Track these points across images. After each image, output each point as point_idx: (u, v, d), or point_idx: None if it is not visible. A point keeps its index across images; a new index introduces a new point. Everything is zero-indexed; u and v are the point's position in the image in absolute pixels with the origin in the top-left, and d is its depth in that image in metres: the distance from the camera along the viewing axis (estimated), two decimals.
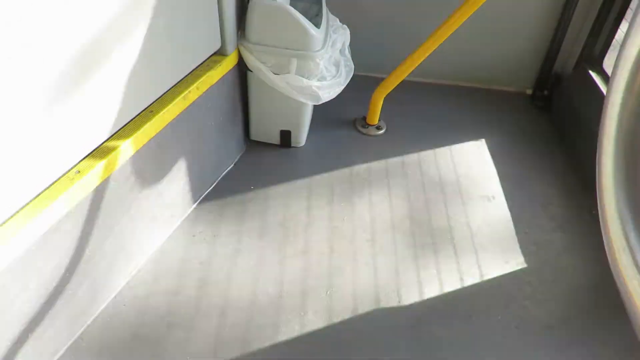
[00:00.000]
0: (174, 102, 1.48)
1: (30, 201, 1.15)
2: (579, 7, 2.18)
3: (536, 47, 2.39)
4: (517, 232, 1.80)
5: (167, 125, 1.48)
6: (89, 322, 1.44)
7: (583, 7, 2.19)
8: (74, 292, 1.34)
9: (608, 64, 2.15)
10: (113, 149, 1.30)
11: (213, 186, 1.88)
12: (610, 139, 0.51)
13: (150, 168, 1.49)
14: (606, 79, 2.11)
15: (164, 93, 1.50)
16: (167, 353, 1.39)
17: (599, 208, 0.52)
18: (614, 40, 2.12)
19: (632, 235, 0.49)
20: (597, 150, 0.55)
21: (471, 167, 2.06)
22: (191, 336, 1.43)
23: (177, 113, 1.52)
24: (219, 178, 1.92)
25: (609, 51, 2.14)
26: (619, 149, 0.50)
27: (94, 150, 1.29)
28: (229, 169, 1.96)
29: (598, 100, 2.03)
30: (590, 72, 2.16)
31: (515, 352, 1.45)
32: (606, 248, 0.51)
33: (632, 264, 0.50)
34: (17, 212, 1.12)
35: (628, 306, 0.55)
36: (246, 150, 2.05)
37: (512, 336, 1.49)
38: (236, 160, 2.00)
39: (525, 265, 1.68)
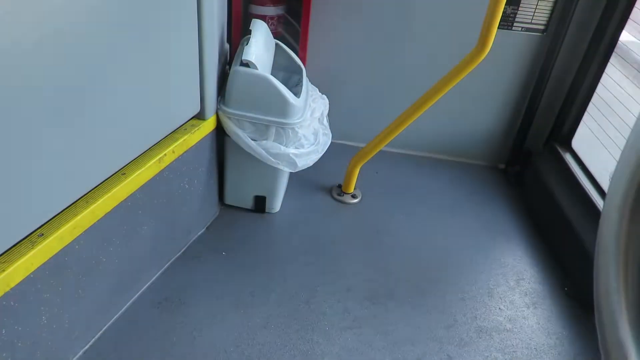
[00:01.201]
0: (148, 165, 1.46)
1: None
2: (548, 88, 2.28)
3: (508, 124, 2.47)
4: (492, 308, 1.77)
5: (139, 188, 1.45)
6: None
7: (553, 88, 2.29)
8: None
9: (576, 143, 2.23)
10: (80, 212, 1.26)
11: (183, 250, 1.83)
12: (609, 255, 0.50)
13: (118, 231, 1.44)
14: (574, 156, 2.18)
15: (139, 155, 1.47)
16: None
17: (597, 327, 0.50)
18: (581, 120, 2.20)
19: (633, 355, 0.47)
20: (595, 268, 0.53)
21: (445, 238, 2.06)
22: None
23: (151, 176, 1.49)
24: (190, 242, 1.87)
25: (577, 130, 2.22)
26: (619, 266, 0.49)
27: (60, 212, 1.24)
28: (200, 232, 1.91)
29: (567, 177, 2.09)
30: (559, 149, 2.23)
31: None
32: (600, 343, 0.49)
33: None
34: None
35: None
36: (219, 214, 2.02)
37: None
38: (208, 224, 1.96)
39: (500, 343, 1.65)
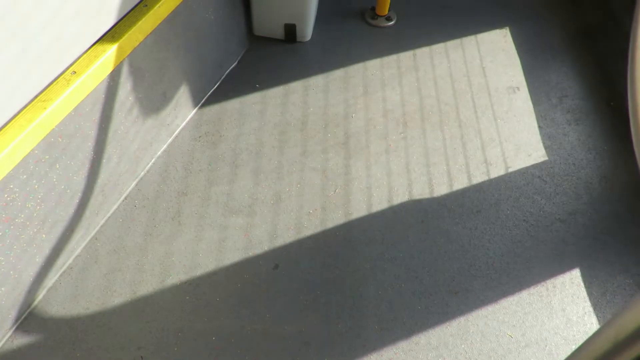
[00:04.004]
0: None
1: (26, 106, 1.12)
2: None
3: None
4: (530, 127, 1.75)
5: (163, 20, 1.40)
6: (102, 223, 1.47)
7: None
8: (84, 195, 1.35)
9: None
10: (108, 47, 1.25)
11: (217, 85, 1.83)
12: None
13: (149, 67, 1.43)
14: None
15: None
16: (179, 251, 1.43)
17: (629, 99, 0.47)
18: None
19: None
20: (631, 41, 0.48)
21: (485, 58, 1.96)
22: (200, 235, 1.46)
23: (173, 7, 1.43)
24: (223, 76, 1.85)
25: None
26: None
27: (88, 49, 1.23)
28: (232, 66, 1.89)
29: None
30: None
31: (523, 244, 1.47)
32: (634, 140, 0.47)
33: None
34: (12, 118, 1.09)
35: None
36: (250, 46, 1.96)
37: (520, 229, 1.50)
38: (240, 57, 1.92)
39: (537, 160, 1.66)
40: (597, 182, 1.62)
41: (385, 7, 2.06)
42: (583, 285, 1.40)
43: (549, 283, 1.41)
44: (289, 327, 1.31)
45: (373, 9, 2.10)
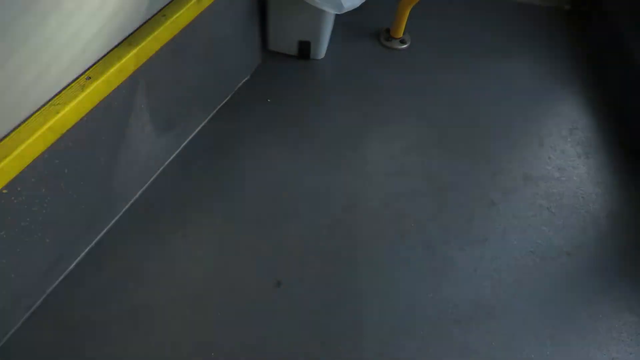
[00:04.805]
0: (188, 6, 1.40)
1: (39, 109, 1.11)
2: None
3: None
4: (541, 157, 1.74)
5: (180, 30, 1.41)
6: (105, 230, 1.45)
7: None
8: (90, 201, 1.34)
9: None
10: (124, 54, 1.24)
11: (229, 97, 1.83)
12: None
13: (163, 76, 1.43)
14: None
15: None
16: (181, 262, 1.41)
17: None
18: None
19: None
20: None
21: (497, 86, 1.96)
22: (204, 247, 1.45)
23: (191, 18, 1.43)
24: (236, 89, 1.85)
25: None
26: None
27: (105, 55, 1.23)
28: (245, 79, 1.89)
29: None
30: None
31: (529, 276, 1.45)
32: None
33: None
34: (25, 121, 1.09)
35: None
36: (263, 61, 1.97)
37: (526, 260, 1.49)
38: (253, 70, 1.93)
39: (546, 192, 1.65)
40: (604, 217, 1.60)
41: (400, 29, 2.06)
42: (589, 320, 1.38)
43: (555, 316, 1.39)
44: (289, 347, 1.29)
45: (388, 30, 2.11)
